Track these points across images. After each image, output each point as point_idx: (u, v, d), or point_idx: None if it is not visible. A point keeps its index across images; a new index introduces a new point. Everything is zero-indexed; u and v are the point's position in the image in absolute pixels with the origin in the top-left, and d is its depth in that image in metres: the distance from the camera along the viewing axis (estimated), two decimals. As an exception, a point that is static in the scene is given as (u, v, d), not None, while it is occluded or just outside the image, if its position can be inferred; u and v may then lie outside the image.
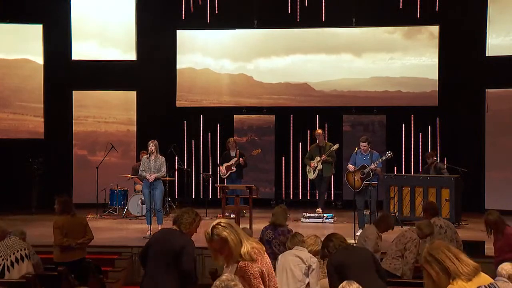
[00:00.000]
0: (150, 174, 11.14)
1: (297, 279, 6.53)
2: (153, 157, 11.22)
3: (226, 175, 13.85)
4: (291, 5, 15.64)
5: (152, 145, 11.20)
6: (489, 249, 8.51)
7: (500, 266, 5.96)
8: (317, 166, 13.28)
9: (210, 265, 8.93)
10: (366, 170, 11.01)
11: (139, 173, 11.51)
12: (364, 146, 11.21)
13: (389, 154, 11.42)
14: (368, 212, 11.73)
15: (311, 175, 13.51)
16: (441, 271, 3.80)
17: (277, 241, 8.21)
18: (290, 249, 6.87)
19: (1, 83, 15.77)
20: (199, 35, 15.98)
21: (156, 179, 11.12)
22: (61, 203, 8.30)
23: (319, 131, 13.59)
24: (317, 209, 13.34)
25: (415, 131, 15.33)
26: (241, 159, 13.70)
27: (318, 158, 13.23)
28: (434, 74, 15.14)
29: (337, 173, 14.73)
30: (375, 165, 11.12)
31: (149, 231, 11.09)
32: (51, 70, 15.64)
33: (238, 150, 13.88)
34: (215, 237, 4.21)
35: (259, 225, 11.80)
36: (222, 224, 4.27)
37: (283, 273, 6.58)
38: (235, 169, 13.72)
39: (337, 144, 13.19)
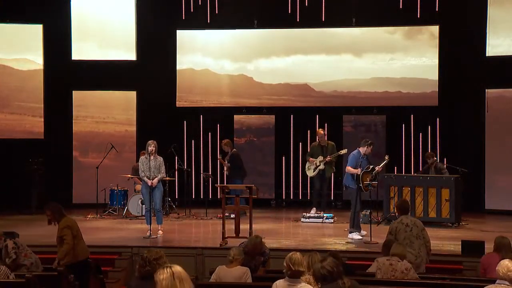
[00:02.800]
0: (150, 174, 11.16)
1: None
2: (152, 157, 11.24)
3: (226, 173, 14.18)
4: (291, 5, 15.63)
5: (153, 146, 11.24)
6: (489, 249, 8.50)
7: (498, 266, 5.90)
8: (319, 166, 13.28)
9: (210, 265, 8.95)
10: (374, 173, 11.03)
11: (140, 174, 11.49)
12: (371, 150, 11.22)
13: (387, 159, 11.53)
14: (367, 212, 11.79)
15: (311, 173, 13.50)
16: None
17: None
18: None
19: (1, 83, 15.76)
20: (199, 35, 15.97)
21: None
22: (57, 209, 8.11)
23: (321, 131, 13.63)
24: (316, 211, 13.26)
25: (415, 131, 15.33)
26: (220, 158, 14.01)
27: (321, 157, 13.23)
28: (434, 75, 15.13)
29: (338, 173, 14.73)
30: (380, 167, 11.21)
31: (149, 231, 11.10)
32: (51, 70, 15.64)
33: (231, 151, 13.87)
34: (156, 277, 4.21)
35: (259, 225, 11.83)
36: (175, 270, 4.20)
37: None
38: (226, 170, 13.99)
39: (345, 150, 13.17)
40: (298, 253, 5.94)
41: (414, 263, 8.03)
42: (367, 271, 7.71)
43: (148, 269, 5.35)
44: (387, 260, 7.45)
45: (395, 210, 8.88)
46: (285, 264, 5.83)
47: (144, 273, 5.38)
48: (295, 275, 5.75)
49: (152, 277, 5.19)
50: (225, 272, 7.29)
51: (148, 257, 5.41)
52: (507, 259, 5.97)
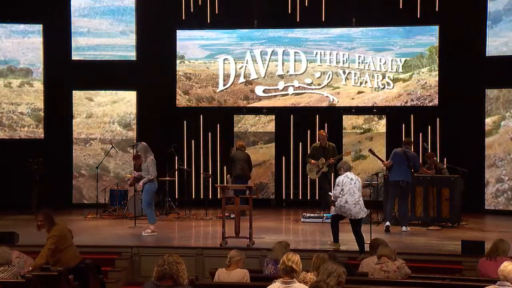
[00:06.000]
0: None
1: None
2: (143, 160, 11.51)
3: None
4: (291, 5, 15.63)
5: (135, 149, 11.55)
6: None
7: (502, 267, 5.90)
8: (322, 168, 13.32)
9: (210, 265, 8.95)
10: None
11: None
12: None
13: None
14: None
15: (313, 175, 13.54)
16: None
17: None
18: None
19: (1, 83, 15.77)
20: (199, 35, 15.97)
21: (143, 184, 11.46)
22: (48, 215, 7.91)
23: (323, 133, 13.67)
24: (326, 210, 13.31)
25: (415, 131, 15.32)
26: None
27: (323, 160, 13.27)
28: (434, 75, 15.13)
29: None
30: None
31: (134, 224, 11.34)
32: (51, 70, 15.65)
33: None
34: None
35: (259, 224, 11.84)
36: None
37: None
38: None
39: (350, 152, 13.26)
40: (297, 255, 5.93)
41: (354, 209, 9.70)
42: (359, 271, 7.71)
43: (165, 268, 5.36)
44: (376, 264, 7.47)
45: (339, 170, 10.08)
46: (281, 260, 5.84)
47: (161, 271, 5.37)
48: (287, 271, 5.71)
49: (168, 277, 5.23)
50: (224, 276, 7.28)
51: (168, 259, 5.41)
52: (508, 261, 5.97)
